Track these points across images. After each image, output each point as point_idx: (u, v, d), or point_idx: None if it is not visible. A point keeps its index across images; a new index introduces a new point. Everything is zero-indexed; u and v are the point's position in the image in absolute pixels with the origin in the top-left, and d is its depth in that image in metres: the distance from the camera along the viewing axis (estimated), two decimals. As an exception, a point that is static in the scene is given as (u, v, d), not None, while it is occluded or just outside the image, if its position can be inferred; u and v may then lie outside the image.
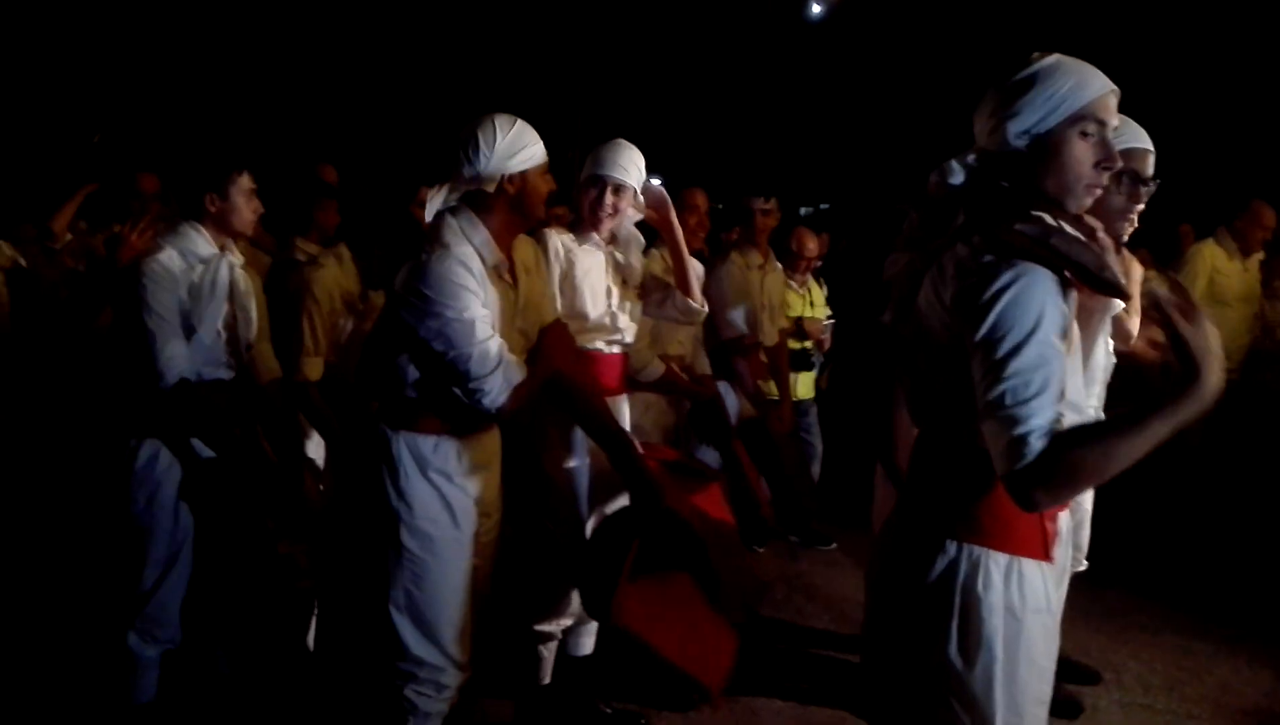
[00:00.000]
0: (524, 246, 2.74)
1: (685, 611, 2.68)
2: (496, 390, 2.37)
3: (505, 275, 2.56)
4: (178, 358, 2.82)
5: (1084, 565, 3.68)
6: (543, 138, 2.74)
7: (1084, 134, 1.66)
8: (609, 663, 3.39)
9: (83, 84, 11.23)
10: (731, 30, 14.55)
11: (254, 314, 3.11)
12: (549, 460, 3.06)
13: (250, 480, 3.01)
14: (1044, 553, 1.72)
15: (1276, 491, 5.08)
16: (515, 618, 3.09)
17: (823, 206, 17.05)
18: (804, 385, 5.54)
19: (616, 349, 3.30)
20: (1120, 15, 10.50)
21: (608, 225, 3.21)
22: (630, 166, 3.17)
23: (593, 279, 3.20)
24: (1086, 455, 1.48)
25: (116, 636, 2.96)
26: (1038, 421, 1.50)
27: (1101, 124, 1.67)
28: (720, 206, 5.30)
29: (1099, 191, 1.70)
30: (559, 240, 3.16)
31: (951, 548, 1.71)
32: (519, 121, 2.53)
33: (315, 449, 3.37)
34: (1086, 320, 1.92)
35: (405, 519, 2.50)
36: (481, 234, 2.47)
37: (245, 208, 3.00)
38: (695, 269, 3.45)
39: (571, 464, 3.13)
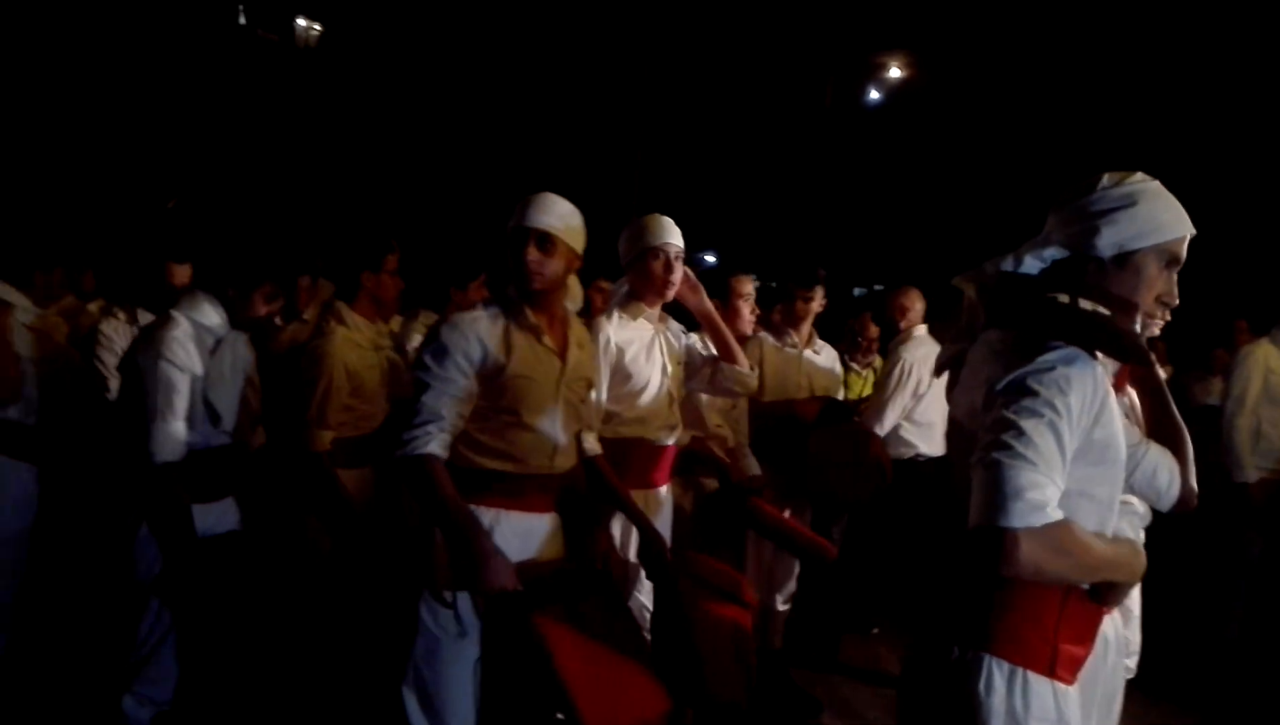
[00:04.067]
0: (579, 325, 2.80)
1: (617, 666, 2.46)
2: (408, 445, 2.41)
3: (546, 341, 2.59)
4: (172, 439, 2.73)
5: (1132, 672, 3.50)
6: (595, 211, 2.79)
7: (1163, 265, 1.74)
8: None
9: (162, 148, 11.66)
10: (790, 113, 14.76)
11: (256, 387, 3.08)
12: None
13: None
14: (1049, 669, 1.69)
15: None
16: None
17: (877, 287, 17.04)
18: None
19: (670, 440, 3.23)
20: (1182, 114, 10.47)
21: (671, 294, 3.21)
22: (678, 235, 3.20)
23: (644, 364, 3.16)
24: (1078, 555, 1.56)
25: (111, 700, 2.90)
26: (1049, 493, 1.53)
27: (1176, 262, 1.76)
28: (774, 285, 5.27)
29: (1146, 319, 1.80)
30: (608, 330, 3.12)
31: (956, 651, 1.71)
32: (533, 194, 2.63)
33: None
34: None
35: (424, 590, 2.47)
36: (516, 303, 2.57)
37: (266, 308, 2.98)
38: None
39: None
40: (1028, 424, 1.54)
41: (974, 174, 12.70)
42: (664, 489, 3.27)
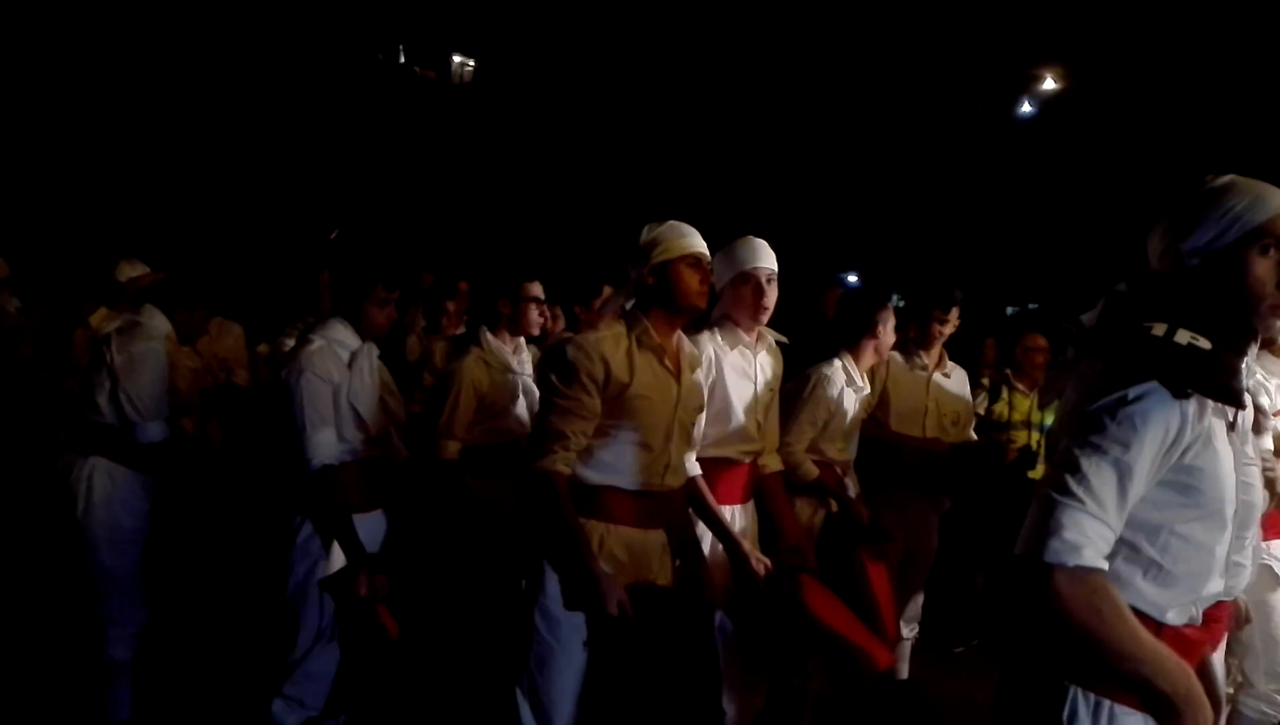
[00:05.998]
0: (690, 348, 2.86)
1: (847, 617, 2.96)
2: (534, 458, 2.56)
3: (666, 362, 2.67)
4: (325, 445, 2.98)
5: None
6: (728, 233, 2.85)
7: (1263, 251, 1.60)
8: None
9: (324, 179, 12.38)
10: (938, 128, 14.47)
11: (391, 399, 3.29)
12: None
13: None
14: (1140, 704, 1.60)
15: None
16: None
17: (1031, 306, 16.45)
18: None
19: (748, 458, 3.30)
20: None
21: (765, 318, 3.26)
22: (771, 258, 3.24)
23: (740, 386, 3.23)
24: (1108, 617, 1.48)
25: (261, 703, 3.07)
26: (1090, 534, 1.48)
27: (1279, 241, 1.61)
28: (901, 303, 5.20)
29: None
30: (711, 346, 3.20)
31: (1039, 677, 1.67)
32: (671, 222, 2.70)
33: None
34: None
35: (540, 599, 2.56)
36: (641, 324, 2.65)
37: (381, 315, 3.22)
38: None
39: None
40: (1088, 461, 1.50)
41: (1134, 188, 12.16)
42: (739, 508, 3.29)
